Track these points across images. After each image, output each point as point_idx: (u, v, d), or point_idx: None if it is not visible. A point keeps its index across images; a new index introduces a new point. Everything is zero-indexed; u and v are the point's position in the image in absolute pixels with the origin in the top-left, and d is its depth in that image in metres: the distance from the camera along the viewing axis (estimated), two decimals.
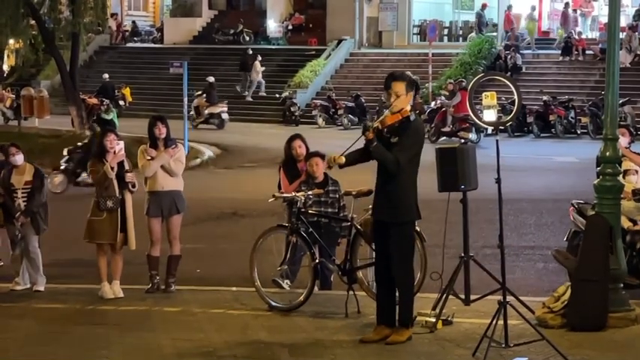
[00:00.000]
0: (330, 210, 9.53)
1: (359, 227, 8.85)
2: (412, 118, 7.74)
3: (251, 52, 36.29)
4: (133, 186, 10.16)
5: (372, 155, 7.62)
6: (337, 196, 9.62)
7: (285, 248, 9.11)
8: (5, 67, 33.71)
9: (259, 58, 35.84)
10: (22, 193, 10.62)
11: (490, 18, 38.26)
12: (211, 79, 32.37)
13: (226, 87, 35.88)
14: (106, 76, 34.35)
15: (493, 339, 7.25)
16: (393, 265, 7.73)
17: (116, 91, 33.44)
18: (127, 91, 34.23)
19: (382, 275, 7.90)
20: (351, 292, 8.77)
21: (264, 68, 35.43)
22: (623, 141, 10.10)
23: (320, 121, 31.48)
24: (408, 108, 7.74)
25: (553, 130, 27.66)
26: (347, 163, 7.81)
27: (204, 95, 31.76)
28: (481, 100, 8.01)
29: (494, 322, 7.29)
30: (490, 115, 7.93)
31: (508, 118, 8.87)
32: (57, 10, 29.66)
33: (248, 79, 35.59)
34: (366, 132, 7.54)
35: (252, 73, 35.36)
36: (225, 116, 31.09)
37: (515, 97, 8.25)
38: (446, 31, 39.33)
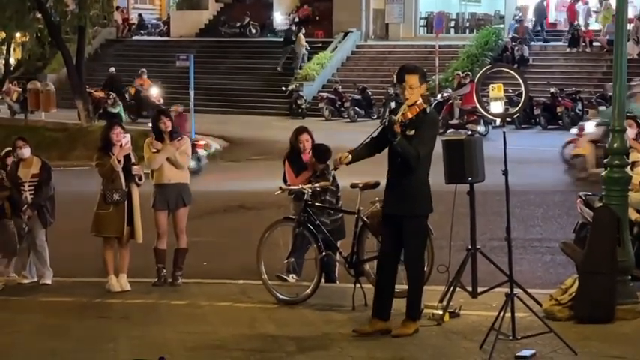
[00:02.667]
0: (330, 199, 9.52)
1: (366, 220, 8.84)
2: (428, 110, 7.73)
3: (294, 27, 36.54)
4: (140, 179, 10.16)
5: (395, 149, 7.52)
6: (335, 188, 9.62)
7: (292, 241, 9.10)
8: (12, 61, 33.78)
9: (303, 30, 36.25)
10: (30, 186, 10.65)
11: (497, 10, 38.16)
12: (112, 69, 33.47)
13: (232, 80, 35.88)
14: (113, 69, 34.35)
15: (500, 331, 7.23)
16: (406, 258, 7.70)
17: (126, 87, 33.44)
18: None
19: (385, 269, 7.85)
20: (357, 285, 8.76)
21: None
22: (631, 132, 10.07)
23: (326, 113, 31.43)
24: (421, 100, 7.72)
25: (560, 122, 27.57)
26: (352, 161, 7.81)
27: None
28: (488, 92, 7.98)
29: (501, 314, 7.26)
30: (497, 107, 7.89)
31: (515, 110, 8.81)
32: (63, 4, 29.70)
33: (286, 54, 35.89)
34: (394, 125, 7.48)
35: (297, 45, 35.69)
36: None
37: (523, 89, 8.21)
38: (452, 23, 39.24)
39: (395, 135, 7.46)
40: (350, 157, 7.73)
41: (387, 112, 8.03)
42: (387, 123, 7.55)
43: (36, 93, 31.02)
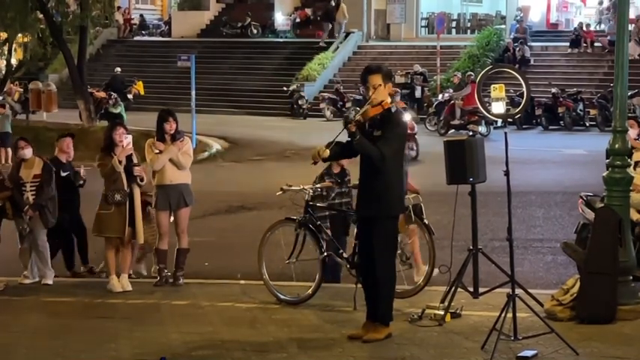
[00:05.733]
0: (347, 200, 9.52)
1: None
2: (393, 109, 7.67)
3: (334, 3, 36.99)
4: (142, 180, 10.15)
5: (355, 149, 7.48)
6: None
7: (294, 241, 9.07)
8: (13, 61, 33.70)
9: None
10: (31, 186, 10.63)
11: (498, 10, 38.10)
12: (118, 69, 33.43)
13: (235, 79, 35.88)
14: (118, 69, 34.33)
15: (502, 332, 7.21)
16: (377, 261, 7.56)
17: (128, 87, 33.41)
18: (139, 85, 34.20)
19: (367, 273, 7.77)
20: (359, 285, 8.72)
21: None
22: (632, 133, 10.06)
23: (327, 113, 31.43)
24: (389, 100, 7.68)
25: (561, 122, 27.59)
26: (330, 158, 7.76)
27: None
28: (489, 92, 7.94)
29: (503, 314, 7.25)
30: (498, 108, 7.86)
31: (516, 110, 8.80)
32: (65, 4, 29.66)
33: (328, 28, 36.56)
34: (348, 125, 7.42)
35: (339, 15, 36.13)
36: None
37: (524, 89, 8.20)
38: (454, 24, 39.22)
39: (352, 135, 7.40)
40: (328, 152, 7.65)
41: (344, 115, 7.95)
42: (343, 123, 7.50)
43: (37, 93, 30.97)
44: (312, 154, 7.72)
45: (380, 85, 7.58)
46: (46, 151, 14.01)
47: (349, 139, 7.61)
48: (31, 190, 10.62)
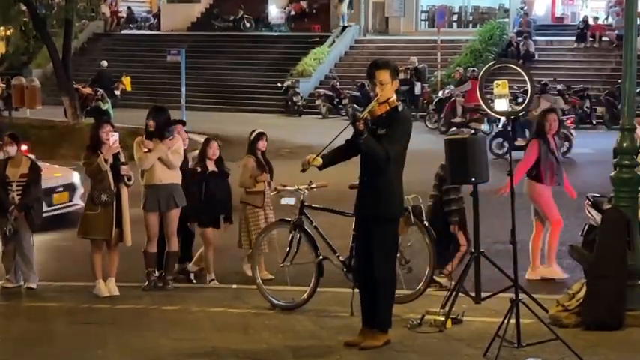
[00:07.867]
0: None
1: None
2: (400, 108, 7.45)
3: None
4: (129, 179, 9.96)
5: (360, 149, 7.27)
6: None
7: (289, 244, 8.89)
8: None
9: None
10: (17, 186, 10.48)
11: (502, 3, 37.84)
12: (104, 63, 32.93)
13: (227, 75, 35.68)
14: (105, 63, 33.94)
15: (505, 338, 7.10)
16: (376, 264, 7.39)
17: (116, 82, 33.10)
18: (127, 80, 33.90)
19: (364, 277, 7.59)
20: (356, 290, 8.48)
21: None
22: None
23: (323, 110, 31.22)
24: (395, 97, 7.46)
25: None
26: (325, 165, 7.54)
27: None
28: (492, 88, 7.81)
29: (506, 320, 7.15)
30: (501, 105, 7.79)
31: (520, 107, 8.72)
32: None
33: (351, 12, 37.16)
34: (356, 123, 7.19)
35: (344, 6, 36.44)
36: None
37: (528, 85, 8.10)
38: (455, 17, 39.04)
39: (360, 133, 7.17)
40: (320, 160, 7.47)
41: (350, 112, 7.80)
42: (351, 120, 7.27)
43: (21, 89, 30.58)
44: (302, 162, 7.55)
45: (388, 81, 7.36)
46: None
47: (353, 137, 7.36)
48: (17, 190, 10.44)
